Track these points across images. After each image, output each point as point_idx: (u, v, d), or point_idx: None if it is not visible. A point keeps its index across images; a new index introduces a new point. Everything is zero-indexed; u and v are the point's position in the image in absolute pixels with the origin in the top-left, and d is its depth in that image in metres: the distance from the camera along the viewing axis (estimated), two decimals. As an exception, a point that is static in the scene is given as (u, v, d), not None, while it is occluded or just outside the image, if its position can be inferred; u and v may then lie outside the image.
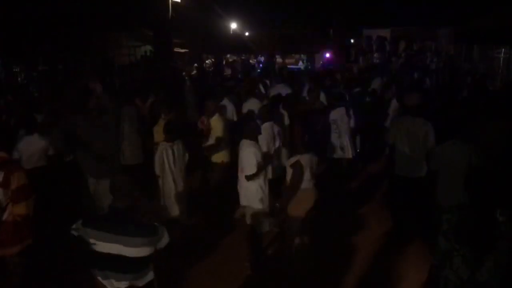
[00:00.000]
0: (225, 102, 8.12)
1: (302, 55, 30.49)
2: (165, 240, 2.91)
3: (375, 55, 23.47)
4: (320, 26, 27.80)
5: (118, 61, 20.66)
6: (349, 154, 7.62)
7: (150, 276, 3.00)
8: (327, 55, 23.59)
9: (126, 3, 18.80)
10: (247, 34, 33.13)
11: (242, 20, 30.88)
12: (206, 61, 26.89)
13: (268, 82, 10.87)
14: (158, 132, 6.46)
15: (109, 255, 2.85)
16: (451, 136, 5.14)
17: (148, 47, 22.35)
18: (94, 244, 2.87)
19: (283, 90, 9.08)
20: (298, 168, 4.95)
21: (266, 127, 6.15)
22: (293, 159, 5.06)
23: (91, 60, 18.66)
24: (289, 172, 5.06)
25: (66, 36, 17.96)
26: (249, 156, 5.06)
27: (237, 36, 31.38)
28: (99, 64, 18.28)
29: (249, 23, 31.61)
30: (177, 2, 18.66)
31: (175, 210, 5.85)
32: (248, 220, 5.29)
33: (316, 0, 26.14)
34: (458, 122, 5.58)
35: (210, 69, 22.86)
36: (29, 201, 4.18)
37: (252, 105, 7.82)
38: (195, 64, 23.10)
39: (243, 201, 5.31)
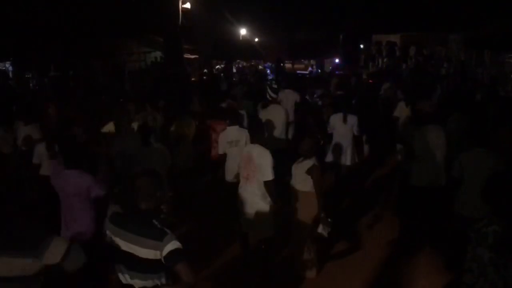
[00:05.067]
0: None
1: (311, 61, 30.51)
2: (168, 247, 2.80)
3: (385, 60, 23.44)
4: (330, 32, 27.83)
5: (128, 67, 20.80)
6: (345, 161, 7.56)
7: (157, 282, 2.95)
8: (337, 60, 23.62)
9: (137, 10, 18.96)
10: (256, 40, 33.24)
11: (252, 26, 31.00)
12: (216, 67, 27.03)
13: (276, 86, 10.85)
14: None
15: (124, 252, 2.90)
16: (472, 143, 5.05)
17: (158, 53, 22.50)
18: (114, 239, 2.95)
19: (291, 95, 9.07)
20: (317, 172, 4.90)
21: (230, 130, 6.22)
22: (306, 164, 5.00)
23: (101, 66, 18.84)
24: (306, 178, 4.97)
25: (77, 42, 18.14)
26: (267, 162, 4.88)
27: (246, 42, 31.47)
28: (110, 70, 18.44)
29: (258, 29, 31.74)
30: (187, 9, 18.76)
31: None
32: (260, 229, 5.13)
33: (326, 6, 26.18)
34: (474, 128, 5.49)
35: (221, 75, 23.01)
36: None
37: (273, 111, 7.78)
38: (205, 70, 23.22)
39: (250, 209, 5.11)
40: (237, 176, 5.57)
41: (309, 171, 4.90)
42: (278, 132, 7.39)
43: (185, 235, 6.46)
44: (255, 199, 5.03)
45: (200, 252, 5.91)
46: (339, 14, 26.24)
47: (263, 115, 7.58)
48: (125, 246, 2.90)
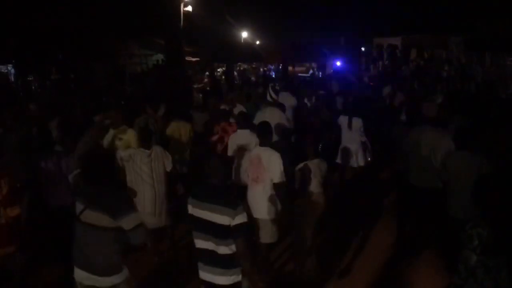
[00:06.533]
0: (239, 108, 8.20)
1: (313, 64, 30.52)
2: (237, 219, 3.30)
3: (386, 63, 23.46)
4: (331, 35, 27.83)
5: (129, 69, 20.82)
6: (353, 162, 7.62)
7: (227, 250, 3.41)
8: (338, 63, 23.63)
9: (138, 12, 18.99)
10: (257, 42, 33.25)
11: (253, 29, 31.00)
12: (218, 70, 27.06)
13: (278, 88, 10.87)
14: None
15: (203, 220, 3.43)
16: (462, 146, 5.09)
17: (160, 56, 22.50)
18: (194, 210, 3.51)
19: (288, 99, 9.12)
20: (305, 171, 4.92)
21: (240, 133, 6.27)
22: (301, 164, 5.04)
23: (103, 68, 18.86)
24: (298, 176, 5.03)
25: (79, 45, 18.18)
26: (278, 164, 4.86)
27: (247, 45, 31.46)
28: (111, 72, 18.47)
29: (260, 32, 31.72)
30: (189, 11, 18.80)
31: (158, 220, 5.57)
32: (264, 233, 5.06)
33: (327, 8, 26.20)
34: (468, 131, 5.52)
35: (222, 77, 23.04)
36: (21, 203, 4.39)
37: (271, 112, 7.82)
38: (206, 73, 23.25)
39: (257, 213, 5.02)
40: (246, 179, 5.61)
41: (300, 169, 4.96)
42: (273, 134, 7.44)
43: (188, 236, 6.50)
44: (263, 202, 4.98)
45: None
46: (340, 17, 26.26)
47: (260, 117, 7.63)
48: (204, 215, 3.43)
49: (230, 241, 3.38)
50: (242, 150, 6.12)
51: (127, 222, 3.38)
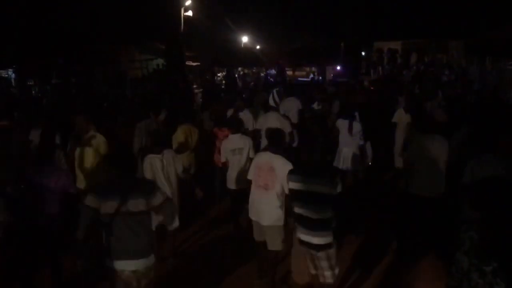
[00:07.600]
0: (245, 113, 8.17)
1: (313, 68, 30.57)
2: (338, 188, 4.04)
3: (386, 67, 23.49)
4: (331, 39, 27.92)
5: (130, 74, 20.84)
6: (351, 166, 7.62)
7: (324, 215, 4.08)
8: (338, 67, 23.67)
9: (139, 17, 19.04)
10: (258, 47, 33.31)
11: (253, 33, 31.09)
12: (218, 74, 27.08)
13: (281, 90, 10.83)
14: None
15: (305, 192, 4.10)
16: (482, 150, 5.01)
17: (160, 61, 22.54)
18: (294, 184, 4.18)
19: (293, 103, 9.10)
20: None
21: (232, 138, 6.24)
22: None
23: (103, 73, 18.89)
24: None
25: (79, 50, 18.21)
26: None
27: (248, 49, 31.53)
28: (112, 77, 18.49)
29: (260, 37, 31.81)
30: (189, 16, 18.84)
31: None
32: (272, 241, 5.02)
33: (327, 13, 26.27)
34: (481, 134, 5.44)
35: (222, 82, 23.06)
36: None
37: (272, 117, 7.80)
38: (207, 77, 23.29)
39: (266, 221, 4.98)
40: (243, 183, 5.61)
41: None
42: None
43: (189, 241, 6.47)
44: (273, 209, 4.92)
45: (203, 258, 5.92)
46: (341, 21, 26.38)
47: (262, 122, 7.61)
48: (305, 187, 4.09)
49: (328, 207, 4.04)
50: (235, 154, 6.12)
51: (157, 199, 3.77)
